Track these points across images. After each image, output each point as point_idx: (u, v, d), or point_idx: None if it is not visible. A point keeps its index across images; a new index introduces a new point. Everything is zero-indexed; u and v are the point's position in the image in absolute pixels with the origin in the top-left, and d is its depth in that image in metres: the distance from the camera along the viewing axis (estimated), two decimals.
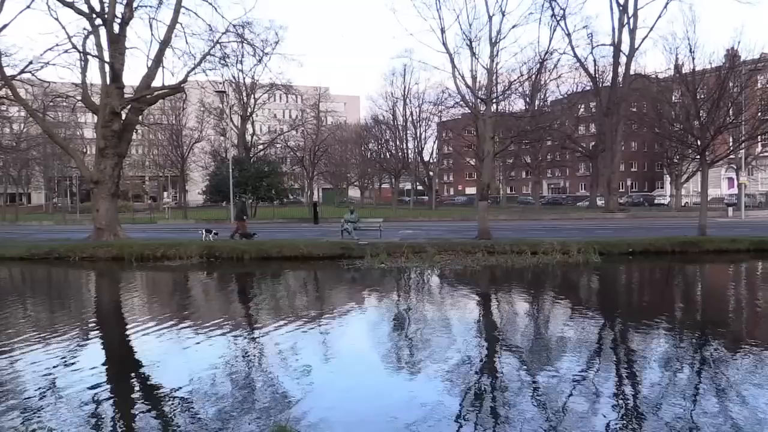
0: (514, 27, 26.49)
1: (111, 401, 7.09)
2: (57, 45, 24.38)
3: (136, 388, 7.72)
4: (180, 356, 9.11)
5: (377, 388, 7.47)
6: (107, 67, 24.20)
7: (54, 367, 8.38)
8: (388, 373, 8.04)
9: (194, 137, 55.88)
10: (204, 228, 26.29)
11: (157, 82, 25.71)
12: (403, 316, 12.08)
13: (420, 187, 79.36)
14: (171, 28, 24.93)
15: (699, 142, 24.49)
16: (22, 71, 24.76)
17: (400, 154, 69.05)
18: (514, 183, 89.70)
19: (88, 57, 25.14)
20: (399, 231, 27.99)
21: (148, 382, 7.90)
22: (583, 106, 64.76)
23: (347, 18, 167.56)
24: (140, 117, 28.70)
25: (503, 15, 23.67)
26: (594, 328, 10.75)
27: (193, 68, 25.85)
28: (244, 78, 49.23)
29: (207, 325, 11.05)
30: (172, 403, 6.86)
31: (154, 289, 17.50)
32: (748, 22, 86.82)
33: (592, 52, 48.87)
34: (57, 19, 37.54)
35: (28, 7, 24.29)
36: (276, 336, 10.08)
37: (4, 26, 23.94)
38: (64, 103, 33.85)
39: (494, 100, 26.18)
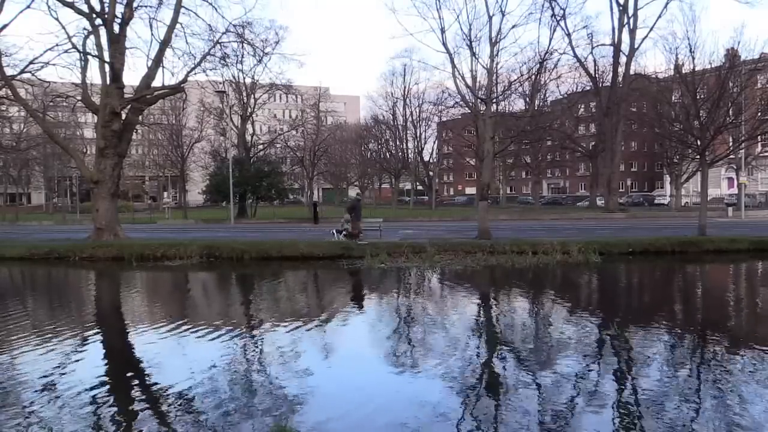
0: (514, 27, 26.39)
1: (111, 401, 7.08)
2: (57, 45, 24.40)
3: (136, 388, 7.71)
4: (180, 356, 9.11)
5: (377, 388, 7.47)
6: (107, 67, 24.20)
7: (54, 366, 8.37)
8: (389, 373, 8.04)
9: (194, 137, 55.86)
10: (335, 229, 24.64)
11: (157, 82, 25.74)
12: (404, 316, 12.09)
13: (420, 187, 79.43)
14: (171, 28, 24.93)
15: (699, 142, 24.48)
16: (22, 71, 24.75)
17: (400, 154, 69.12)
18: (514, 183, 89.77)
19: (88, 57, 25.14)
20: (399, 231, 27.99)
21: (148, 382, 7.90)
22: (583, 106, 64.80)
23: (347, 18, 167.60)
24: (140, 117, 28.69)
25: (503, 15, 23.72)
26: (595, 328, 10.74)
27: (193, 68, 25.86)
28: (244, 78, 49.28)
29: (207, 325, 11.04)
30: (172, 403, 6.86)
31: (154, 289, 17.50)
32: (748, 22, 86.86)
33: (592, 52, 48.89)
34: (57, 19, 37.50)
35: (28, 6, 24.30)
36: (276, 336, 10.08)
37: (4, 26, 23.92)
38: (64, 103, 33.84)
39: (494, 100, 26.19)
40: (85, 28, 24.72)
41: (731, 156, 37.48)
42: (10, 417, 6.38)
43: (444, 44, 24.24)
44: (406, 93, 67.76)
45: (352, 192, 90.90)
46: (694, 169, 47.37)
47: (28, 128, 55.78)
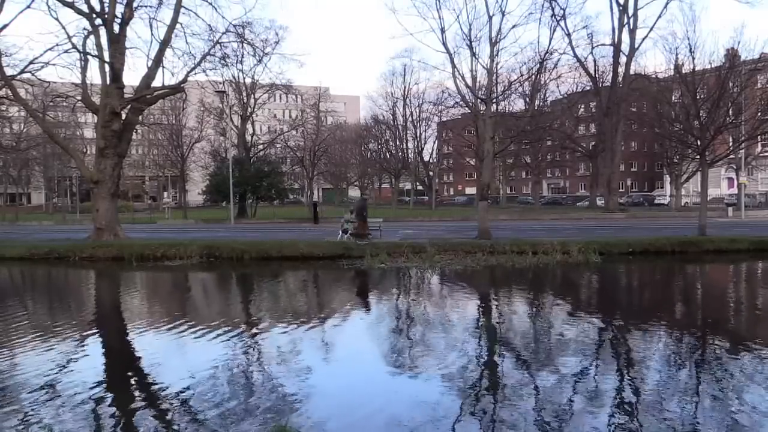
0: (514, 27, 26.37)
1: (111, 401, 7.09)
2: (57, 45, 24.40)
3: (136, 388, 7.72)
4: (180, 356, 9.12)
5: (377, 388, 7.47)
6: (107, 67, 24.20)
7: (54, 366, 8.37)
8: (389, 373, 8.04)
9: (194, 137, 55.84)
10: (341, 229, 24.04)
11: (157, 82, 25.74)
12: (404, 317, 12.09)
13: (420, 187, 79.42)
14: (171, 28, 24.93)
15: (699, 142, 24.48)
16: (22, 71, 24.74)
17: (400, 154, 69.12)
18: (514, 183, 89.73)
19: (88, 57, 25.14)
20: (399, 231, 27.96)
21: (148, 382, 7.90)
22: (583, 106, 64.79)
23: (347, 18, 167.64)
24: (140, 117, 28.68)
25: (503, 15, 23.71)
26: (595, 329, 10.74)
27: (193, 68, 25.86)
28: (244, 78, 49.27)
29: (207, 325, 11.04)
30: (172, 403, 6.86)
31: (154, 289, 17.50)
32: (748, 22, 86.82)
33: (592, 52, 48.88)
34: (57, 19, 37.45)
35: (29, 6, 24.30)
36: (276, 336, 10.08)
37: (5, 26, 23.92)
38: (64, 103, 33.84)
39: (494, 100, 26.18)
40: (85, 28, 24.75)
41: (731, 156, 37.48)
42: (10, 417, 6.38)
43: (444, 44, 24.26)
44: (406, 93, 67.79)
45: (353, 192, 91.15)
46: (694, 169, 47.38)
47: (28, 128, 55.79)
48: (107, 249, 22.30)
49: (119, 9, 24.13)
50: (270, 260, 20.75)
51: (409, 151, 69.92)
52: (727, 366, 8.09)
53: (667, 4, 44.38)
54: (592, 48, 48.24)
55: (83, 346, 9.95)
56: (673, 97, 34.68)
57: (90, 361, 8.93)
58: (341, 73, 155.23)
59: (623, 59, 46.77)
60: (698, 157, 26.74)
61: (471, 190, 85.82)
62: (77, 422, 6.26)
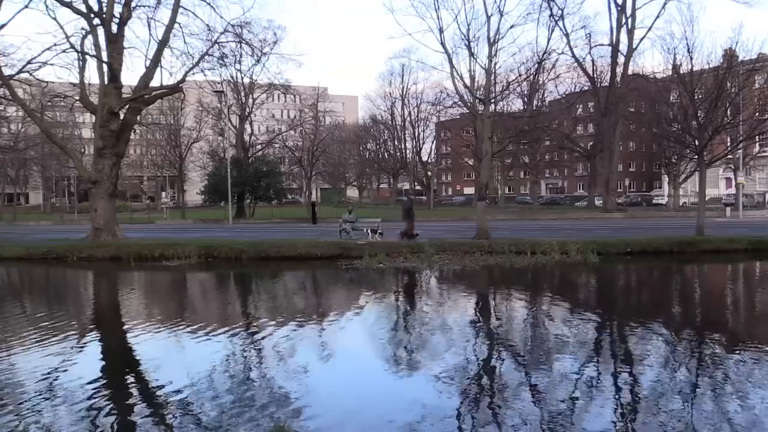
0: (512, 27, 26.23)
1: (109, 401, 7.07)
2: (55, 45, 24.38)
3: (135, 389, 7.71)
4: (178, 356, 9.11)
5: (376, 389, 7.47)
6: (105, 67, 24.18)
7: (52, 367, 8.35)
8: (387, 374, 8.04)
9: (192, 137, 55.84)
10: (369, 228, 24.41)
11: (155, 82, 25.74)
12: (402, 317, 12.09)
13: (418, 187, 79.48)
14: (169, 28, 24.92)
15: (697, 142, 24.50)
16: (20, 71, 24.71)
17: (398, 154, 69.26)
18: (513, 183, 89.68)
19: (86, 57, 25.13)
20: (397, 231, 27.93)
21: (147, 383, 7.90)
22: (581, 106, 64.75)
23: (345, 18, 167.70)
24: (138, 117, 28.67)
25: (501, 15, 23.68)
26: (592, 328, 10.75)
27: (192, 68, 25.85)
28: (242, 78, 49.28)
29: (205, 325, 11.03)
30: (170, 404, 6.85)
31: (152, 290, 17.49)
32: (746, 23, 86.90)
33: (590, 52, 48.88)
34: (55, 18, 37.35)
35: (27, 6, 24.31)
36: (274, 336, 10.07)
37: (3, 26, 23.92)
38: (62, 103, 33.84)
39: (492, 100, 26.20)
40: (83, 28, 24.73)
41: (729, 156, 37.51)
42: (9, 417, 6.36)
43: (442, 44, 24.26)
44: (404, 93, 67.93)
45: (351, 192, 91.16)
46: (692, 169, 47.36)
47: (26, 128, 55.75)
48: (105, 249, 22.28)
49: (117, 9, 24.13)
50: (268, 260, 20.74)
51: (408, 151, 70.09)
52: (725, 365, 8.10)
53: (665, 4, 44.11)
54: (590, 48, 48.32)
55: (81, 346, 9.93)
56: (671, 98, 34.61)
57: (88, 361, 8.91)
58: (339, 73, 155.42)
59: (621, 59, 46.79)
60: (696, 157, 26.76)
61: (469, 190, 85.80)
62: (75, 422, 6.25)
